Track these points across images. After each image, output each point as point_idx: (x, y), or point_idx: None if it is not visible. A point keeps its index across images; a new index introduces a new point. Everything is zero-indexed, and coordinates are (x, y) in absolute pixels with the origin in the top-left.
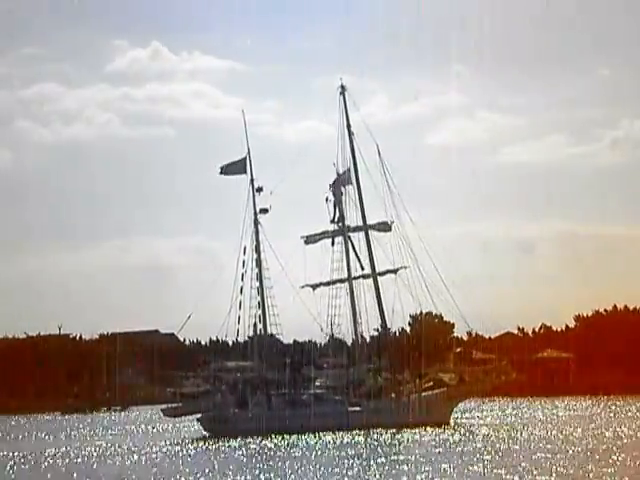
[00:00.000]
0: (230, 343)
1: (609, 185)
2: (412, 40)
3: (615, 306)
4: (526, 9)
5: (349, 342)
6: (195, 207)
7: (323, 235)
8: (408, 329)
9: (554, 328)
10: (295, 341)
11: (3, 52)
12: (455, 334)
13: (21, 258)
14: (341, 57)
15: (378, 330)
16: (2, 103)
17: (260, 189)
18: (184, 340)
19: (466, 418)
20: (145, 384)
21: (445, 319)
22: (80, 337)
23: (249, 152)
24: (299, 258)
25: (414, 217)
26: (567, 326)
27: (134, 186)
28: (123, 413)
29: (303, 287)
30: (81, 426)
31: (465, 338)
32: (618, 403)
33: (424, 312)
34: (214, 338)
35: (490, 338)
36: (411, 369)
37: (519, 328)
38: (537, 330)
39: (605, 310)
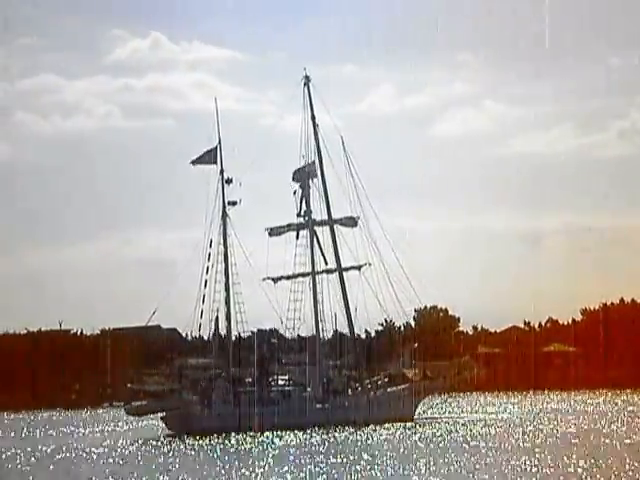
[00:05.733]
0: (233, 338)
1: (616, 176)
2: (418, 29)
3: (622, 299)
4: None
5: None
6: (197, 199)
7: (288, 228)
8: (413, 323)
9: (560, 322)
10: (299, 336)
11: (1, 42)
12: (461, 328)
13: (20, 252)
14: (345, 46)
15: (382, 325)
16: (0, 94)
17: (229, 180)
18: (186, 335)
19: (430, 414)
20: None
21: (450, 313)
22: (81, 332)
23: (220, 142)
24: (262, 250)
25: (383, 211)
26: (574, 319)
27: (135, 178)
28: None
29: (264, 280)
30: (74, 423)
31: (471, 332)
32: (622, 398)
33: (428, 306)
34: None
35: (496, 332)
36: (370, 366)
37: (525, 322)
38: (543, 324)
39: (612, 303)
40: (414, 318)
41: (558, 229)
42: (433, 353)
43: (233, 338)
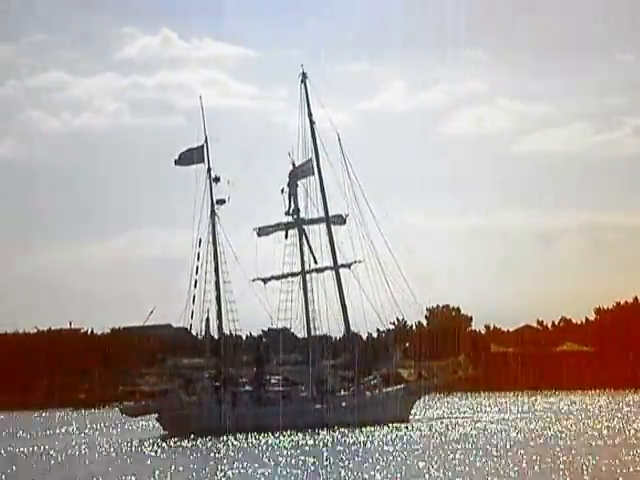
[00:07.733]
0: (244, 337)
1: (631, 174)
2: (431, 26)
3: (636, 298)
4: None
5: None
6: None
7: (276, 227)
8: (425, 322)
9: (574, 321)
10: (309, 335)
11: (11, 39)
12: (473, 327)
13: (31, 251)
14: (357, 43)
15: (394, 323)
16: (10, 92)
17: (217, 179)
18: (196, 334)
19: (425, 415)
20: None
21: (463, 312)
22: (91, 331)
23: (206, 140)
24: (251, 250)
25: (380, 209)
26: (587, 319)
27: (145, 176)
28: None
29: (254, 280)
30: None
31: (483, 331)
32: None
33: (441, 305)
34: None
35: (509, 331)
36: (362, 366)
37: (538, 321)
38: (557, 323)
39: (626, 302)
40: (426, 317)
41: (572, 227)
42: (442, 353)
43: (244, 337)
